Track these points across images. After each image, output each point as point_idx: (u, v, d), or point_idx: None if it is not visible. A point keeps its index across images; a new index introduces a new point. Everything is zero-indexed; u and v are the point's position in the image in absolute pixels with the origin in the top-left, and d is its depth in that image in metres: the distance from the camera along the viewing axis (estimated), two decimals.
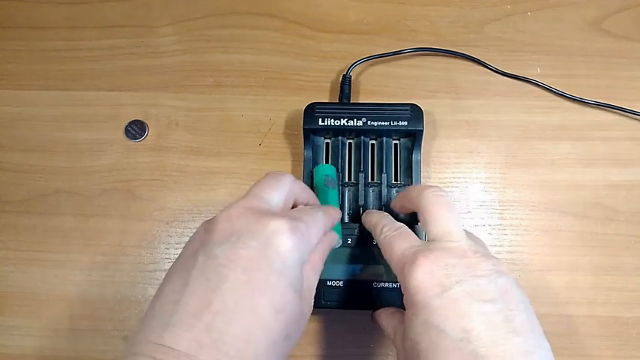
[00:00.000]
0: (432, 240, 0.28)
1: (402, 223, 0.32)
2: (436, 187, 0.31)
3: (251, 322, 0.23)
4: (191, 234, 0.40)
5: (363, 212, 0.37)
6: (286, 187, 0.29)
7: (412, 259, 0.27)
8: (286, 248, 0.25)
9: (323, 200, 0.36)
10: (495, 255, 0.36)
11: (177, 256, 0.40)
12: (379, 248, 0.32)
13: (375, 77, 0.44)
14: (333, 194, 0.36)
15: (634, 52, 0.44)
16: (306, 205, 0.32)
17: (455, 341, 0.24)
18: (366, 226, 0.35)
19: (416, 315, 0.26)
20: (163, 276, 0.40)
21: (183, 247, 0.27)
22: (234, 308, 0.23)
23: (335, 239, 0.33)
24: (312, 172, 0.38)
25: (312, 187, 0.37)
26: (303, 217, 0.27)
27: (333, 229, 0.32)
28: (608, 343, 0.39)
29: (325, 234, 0.30)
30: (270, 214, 0.26)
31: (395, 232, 0.30)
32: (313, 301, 0.28)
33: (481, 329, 0.24)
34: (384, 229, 0.31)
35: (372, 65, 0.45)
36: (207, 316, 0.22)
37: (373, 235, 0.33)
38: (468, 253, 0.27)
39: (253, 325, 0.23)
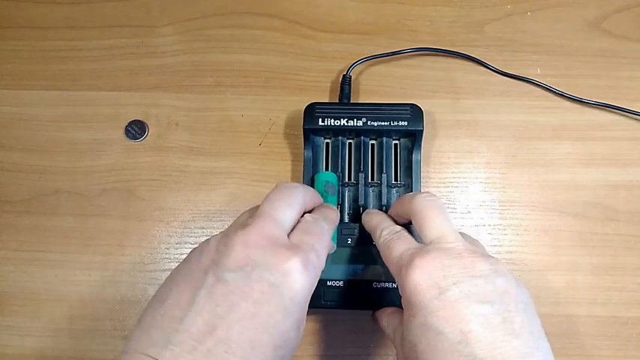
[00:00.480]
0: (429, 243, 0.28)
1: (400, 227, 0.32)
2: (427, 192, 0.31)
3: (251, 354, 0.23)
4: (191, 234, 0.41)
5: (363, 212, 0.37)
6: (299, 202, 0.29)
7: (409, 261, 0.27)
8: (299, 287, 0.25)
9: None
10: (495, 255, 0.36)
11: (177, 256, 0.41)
12: None
13: (375, 77, 0.44)
14: (332, 200, 0.36)
15: (634, 52, 0.44)
16: (312, 208, 0.32)
17: (453, 344, 0.24)
18: (366, 227, 0.35)
19: (414, 317, 0.26)
20: (163, 276, 0.40)
21: (190, 255, 0.27)
22: (238, 339, 0.23)
23: (331, 247, 0.33)
24: (312, 178, 0.38)
25: None
26: (314, 243, 0.27)
27: None
28: (608, 343, 0.39)
29: None
30: (286, 246, 0.26)
31: (394, 236, 0.31)
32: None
33: (479, 331, 0.24)
34: (383, 233, 0.31)
35: (372, 65, 0.45)
36: (210, 342, 0.22)
37: (372, 237, 0.33)
38: (465, 254, 0.27)
39: (252, 357, 0.23)
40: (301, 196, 0.29)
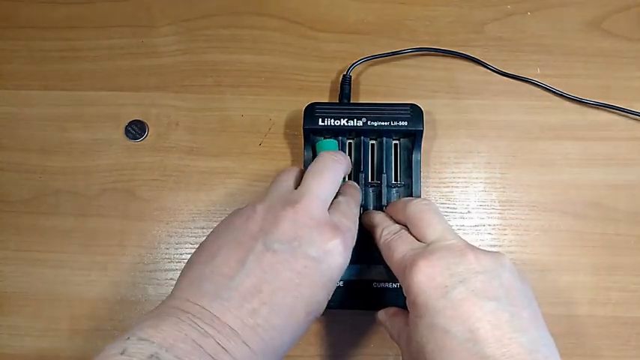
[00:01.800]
0: (430, 243, 0.28)
1: (401, 226, 0.32)
2: (420, 197, 0.33)
3: (288, 318, 0.26)
4: (191, 234, 0.41)
5: (362, 212, 0.37)
6: (341, 179, 0.32)
7: (412, 262, 0.27)
8: (337, 265, 0.27)
9: None
10: None
11: (177, 256, 0.41)
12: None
13: (375, 77, 0.44)
14: None
15: (634, 52, 0.44)
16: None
17: (461, 342, 0.24)
18: (366, 226, 0.35)
19: (420, 317, 0.26)
20: (163, 276, 0.40)
21: (233, 218, 0.29)
22: (279, 304, 0.25)
23: None
24: (313, 148, 0.39)
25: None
26: (350, 226, 0.30)
27: None
28: (608, 343, 0.39)
29: None
30: (329, 226, 0.28)
31: (394, 235, 0.31)
32: None
33: (487, 329, 0.24)
34: (384, 232, 0.32)
35: (372, 65, 0.45)
36: (256, 302, 0.25)
37: (373, 237, 0.33)
38: (467, 250, 0.27)
39: (289, 321, 0.26)
40: (343, 173, 0.32)
